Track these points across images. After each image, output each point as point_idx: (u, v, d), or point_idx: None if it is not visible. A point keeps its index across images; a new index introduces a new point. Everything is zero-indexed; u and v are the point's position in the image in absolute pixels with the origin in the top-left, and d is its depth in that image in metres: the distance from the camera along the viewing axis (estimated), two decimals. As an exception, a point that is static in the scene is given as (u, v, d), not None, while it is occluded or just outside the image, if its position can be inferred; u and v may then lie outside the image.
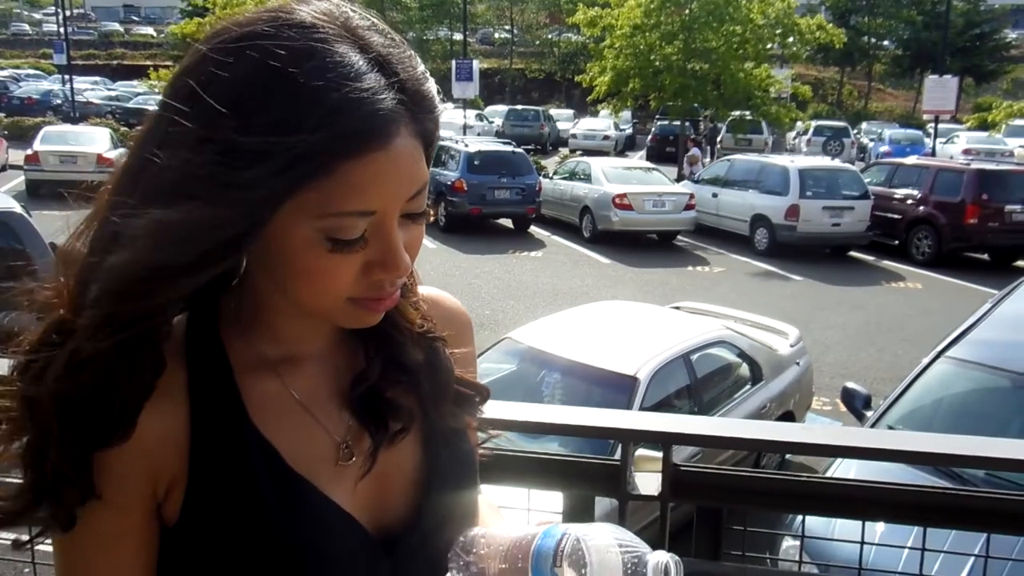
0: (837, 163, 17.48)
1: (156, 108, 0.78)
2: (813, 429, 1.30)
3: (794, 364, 6.77)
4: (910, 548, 1.30)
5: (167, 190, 0.71)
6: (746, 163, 16.76)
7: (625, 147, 32.81)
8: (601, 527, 0.78)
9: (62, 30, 36.44)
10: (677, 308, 7.51)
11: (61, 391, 0.75)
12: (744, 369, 6.18)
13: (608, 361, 5.25)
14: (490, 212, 15.92)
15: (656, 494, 1.32)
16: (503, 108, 35.57)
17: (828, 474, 3.15)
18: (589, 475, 1.35)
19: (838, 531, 2.01)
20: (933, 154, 22.40)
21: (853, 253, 15.16)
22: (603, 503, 1.33)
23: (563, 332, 5.81)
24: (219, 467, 0.81)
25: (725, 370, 6.11)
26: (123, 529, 0.81)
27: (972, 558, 1.26)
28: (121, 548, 0.81)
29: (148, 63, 40.05)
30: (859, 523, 1.32)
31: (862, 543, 1.32)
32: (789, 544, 3.17)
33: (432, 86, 0.80)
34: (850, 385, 5.19)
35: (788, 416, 6.39)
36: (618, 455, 1.38)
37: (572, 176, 16.89)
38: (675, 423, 1.42)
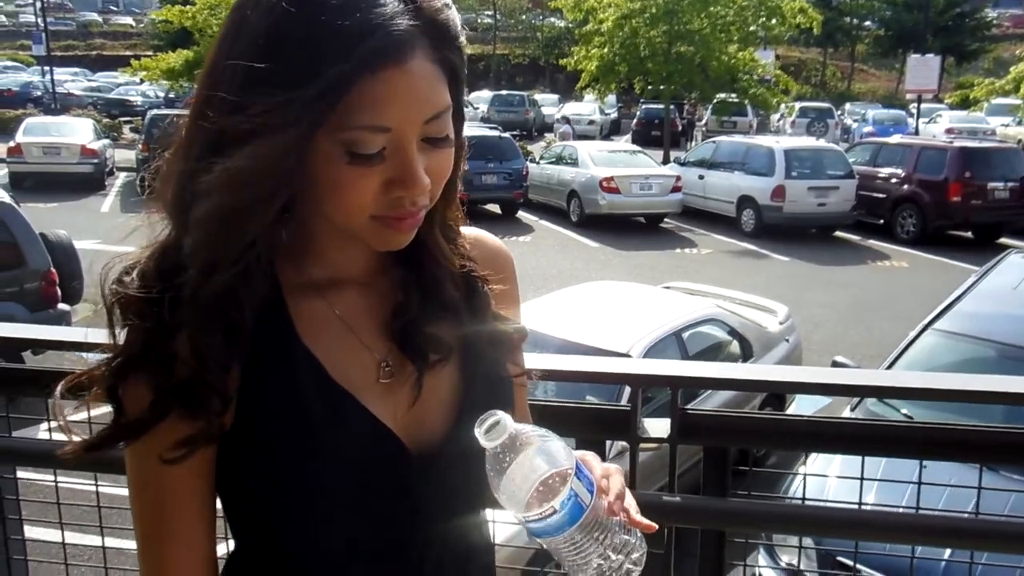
0: (822, 143, 17.60)
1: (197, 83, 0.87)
2: (820, 371, 1.37)
3: (783, 341, 6.85)
4: (908, 483, 1.38)
5: (226, 142, 0.79)
6: (732, 145, 16.82)
7: (610, 131, 32.81)
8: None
9: (40, 21, 36.05)
10: (668, 288, 7.56)
11: (195, 319, 0.83)
12: (735, 346, 6.25)
13: (601, 339, 5.31)
14: (477, 197, 15.93)
15: (665, 436, 1.39)
16: (488, 94, 35.50)
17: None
18: (600, 420, 1.42)
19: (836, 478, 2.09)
20: (916, 133, 22.58)
21: (839, 233, 15.27)
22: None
23: (555, 312, 5.86)
24: (269, 379, 0.89)
25: (716, 347, 6.17)
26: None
27: (976, 491, 1.33)
28: (194, 463, 0.87)
29: (128, 53, 39.66)
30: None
31: (862, 479, 1.39)
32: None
33: (452, 16, 0.86)
34: (839, 359, 5.28)
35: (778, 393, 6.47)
36: (626, 398, 1.44)
37: (559, 160, 16.90)
38: (682, 367, 1.49)
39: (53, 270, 6.90)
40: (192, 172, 0.81)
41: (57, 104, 28.54)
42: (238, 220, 0.81)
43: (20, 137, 17.66)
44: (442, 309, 0.97)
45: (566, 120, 23.53)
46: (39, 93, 31.64)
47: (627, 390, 4.69)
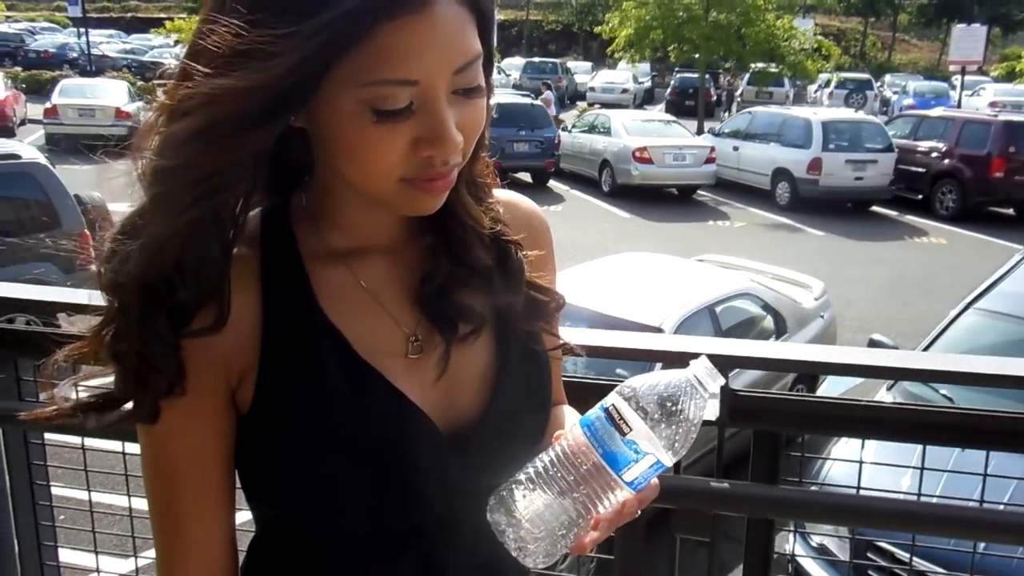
0: (861, 115, 17.24)
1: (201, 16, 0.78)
2: (874, 353, 1.29)
3: (818, 317, 6.74)
4: (968, 474, 1.31)
5: (219, 64, 0.72)
6: (768, 116, 16.53)
7: (644, 100, 32.44)
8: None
9: (76, -18, 36.17)
10: (701, 261, 7.47)
11: (145, 275, 0.77)
12: (768, 321, 6.16)
13: (633, 312, 5.24)
14: (508, 166, 15.80)
15: (714, 419, 1.33)
16: (520, 61, 35.18)
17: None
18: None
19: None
20: (959, 106, 22.03)
21: (876, 208, 14.99)
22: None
23: (587, 284, 5.79)
24: (289, 353, 0.83)
25: (749, 322, 6.08)
26: (202, 420, 0.83)
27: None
28: (200, 435, 0.84)
29: (162, 15, 39.78)
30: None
31: (922, 469, 1.32)
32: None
33: None
34: (876, 337, 5.17)
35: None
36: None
37: (591, 129, 16.72)
38: (733, 346, 1.42)
39: (87, 231, 6.94)
40: (183, 93, 0.73)
41: (92, 66, 28.67)
42: (209, 141, 0.72)
43: (56, 99, 17.81)
44: (472, 276, 0.91)
45: (547, 86, 22.58)
46: (75, 55, 31.80)
47: (659, 365, 4.66)
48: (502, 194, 0.97)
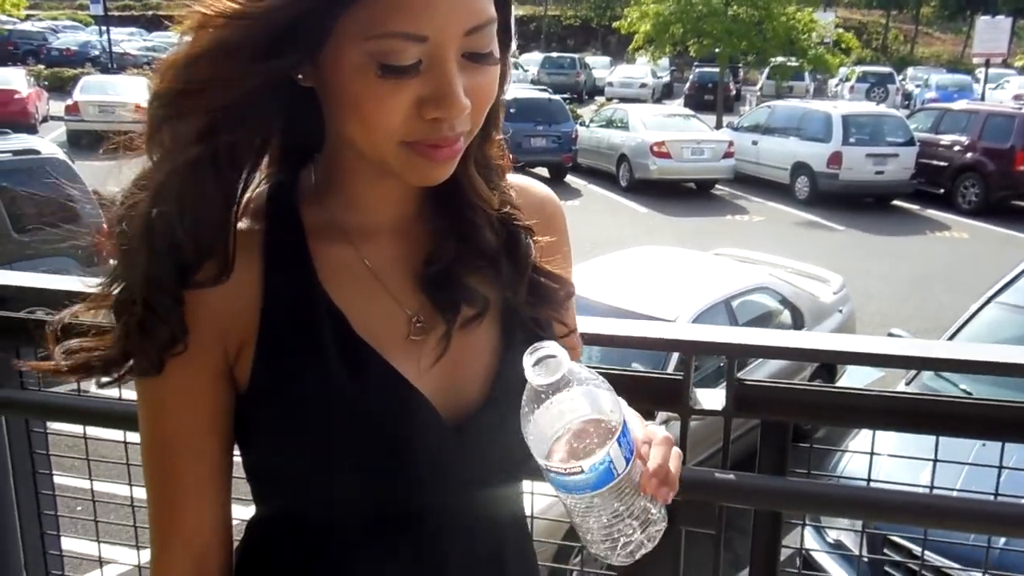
0: (882, 108, 17.08)
1: None
2: (887, 341, 1.25)
3: (837, 312, 6.67)
4: (987, 467, 1.26)
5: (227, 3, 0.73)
6: (787, 109, 16.39)
7: (662, 95, 32.27)
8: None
9: (97, -20, 36.45)
10: (718, 255, 7.41)
11: (150, 220, 0.77)
12: (786, 316, 6.10)
13: (648, 306, 5.20)
14: (525, 161, 15.67)
15: (719, 408, 1.29)
16: (538, 56, 35.08)
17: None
18: (649, 390, 1.33)
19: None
20: (982, 99, 21.73)
21: (897, 202, 14.82)
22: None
23: (602, 277, 5.75)
24: (287, 329, 0.82)
25: (767, 316, 6.03)
26: (199, 386, 0.82)
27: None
28: (198, 405, 0.83)
29: (183, 13, 39.85)
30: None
31: (935, 461, 1.28)
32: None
33: None
34: (895, 331, 5.11)
35: (828, 365, 6.30)
36: (672, 366, 1.35)
37: (609, 124, 16.66)
38: (739, 335, 1.38)
39: (106, 226, 6.97)
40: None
41: (114, 64, 28.88)
42: (213, 67, 0.73)
43: (77, 95, 17.98)
44: (479, 259, 0.89)
45: None
46: (96, 52, 32.05)
47: (675, 358, 4.62)
48: (515, 179, 0.95)
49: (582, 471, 0.71)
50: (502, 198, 0.91)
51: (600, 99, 29.90)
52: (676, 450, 0.78)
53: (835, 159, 14.23)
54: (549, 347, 0.73)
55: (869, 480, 1.31)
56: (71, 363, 0.82)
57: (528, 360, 0.72)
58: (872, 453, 1.30)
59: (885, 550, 2.77)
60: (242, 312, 0.82)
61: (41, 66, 28.73)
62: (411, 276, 0.87)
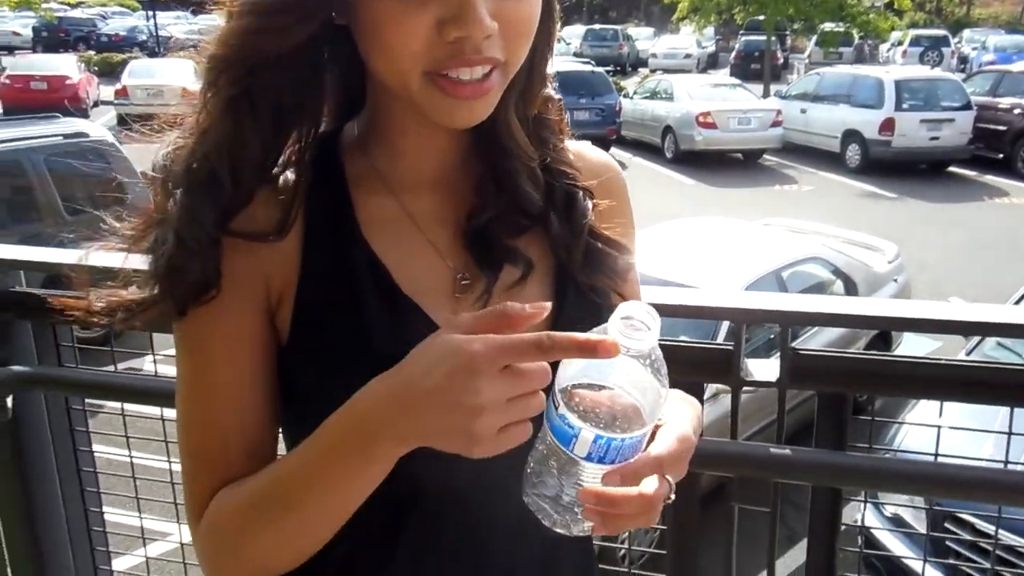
0: (937, 72, 16.55)
1: None
2: (952, 306, 1.15)
3: (891, 281, 6.51)
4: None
5: None
6: (837, 76, 16.03)
7: (708, 65, 31.72)
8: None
9: (143, -35, 36.88)
10: (768, 225, 7.26)
11: (192, 160, 0.77)
12: (838, 286, 5.96)
13: (696, 279, 5.10)
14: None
15: (773, 380, 1.22)
16: (580, 28, 34.66)
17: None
18: (698, 361, 1.26)
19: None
20: (1043, 61, 20.91)
21: (953, 168, 14.38)
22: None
23: (648, 250, 5.65)
24: (328, 283, 0.79)
25: (818, 287, 5.89)
26: (240, 333, 0.79)
27: None
28: (239, 353, 0.79)
29: (226, -3, 40.13)
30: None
31: (1010, 433, 1.20)
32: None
33: None
34: (954, 300, 4.94)
35: (884, 335, 6.15)
36: (721, 337, 1.27)
37: (653, 95, 16.43)
38: (794, 302, 1.30)
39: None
40: None
41: (160, 48, 29.25)
42: (254, 24, 0.74)
43: (125, 79, 18.37)
44: (522, 216, 0.84)
45: None
46: (143, 37, 32.49)
47: (724, 329, 4.52)
48: (574, 144, 0.92)
49: (576, 427, 0.64)
50: (559, 157, 0.87)
51: (644, 71, 29.45)
52: (647, 494, 0.68)
53: (887, 125, 13.87)
54: (651, 316, 0.65)
55: (937, 455, 1.23)
56: (103, 305, 0.81)
57: (624, 309, 0.65)
58: (939, 426, 1.22)
59: (947, 525, 2.67)
60: (283, 262, 0.79)
61: (91, 52, 29.20)
62: (455, 231, 0.84)
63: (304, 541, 0.75)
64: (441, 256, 0.83)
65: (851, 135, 14.47)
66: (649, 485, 0.68)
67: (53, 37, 31.49)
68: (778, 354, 1.22)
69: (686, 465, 0.73)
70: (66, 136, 7.41)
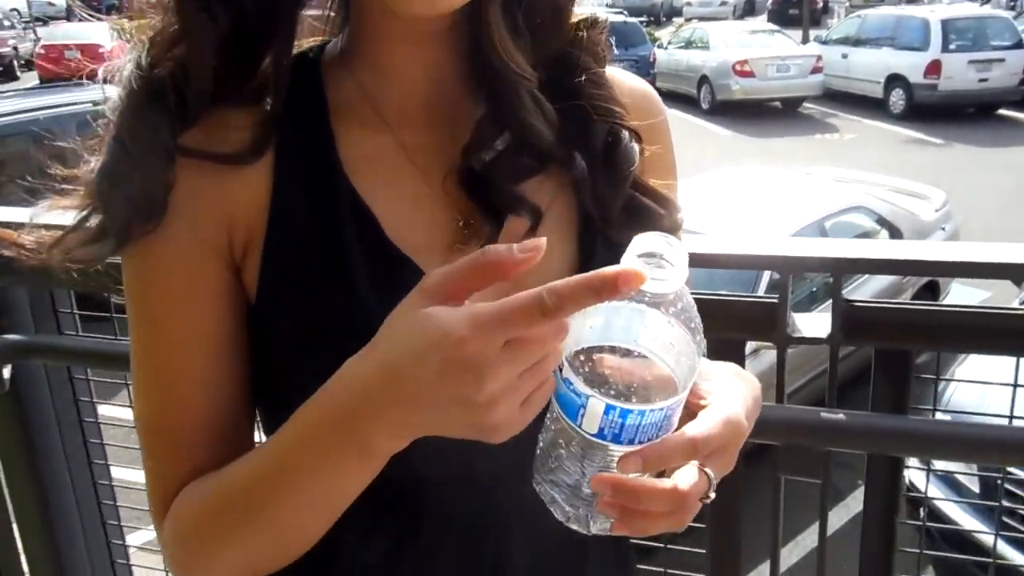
0: (986, 10, 15.90)
1: None
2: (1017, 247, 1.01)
3: (939, 230, 6.30)
4: None
5: None
6: (880, 18, 15.51)
7: (744, 12, 30.95)
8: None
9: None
10: (809, 174, 7.05)
11: (144, 68, 0.67)
12: (883, 236, 5.76)
13: (735, 230, 4.94)
14: (602, 87, 15.38)
15: (824, 336, 1.09)
16: (613, -22, 33.97)
17: None
18: (739, 316, 1.12)
19: None
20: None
21: (1003, 111, 13.84)
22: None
23: (687, 203, 5.47)
24: (301, 228, 0.66)
25: (863, 238, 5.70)
26: (197, 283, 0.66)
27: None
28: (198, 309, 0.67)
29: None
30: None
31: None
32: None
33: None
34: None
35: (932, 286, 5.95)
36: (762, 291, 1.14)
37: (688, 45, 16.08)
38: (846, 248, 1.16)
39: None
40: None
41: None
42: None
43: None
44: (528, 154, 0.69)
45: None
46: (172, 2, 32.50)
47: (764, 281, 4.35)
48: (608, 70, 0.76)
49: (582, 394, 0.51)
50: (601, 89, 0.72)
51: (678, 20, 28.82)
52: (683, 491, 0.54)
53: (933, 68, 13.37)
54: (675, 250, 0.51)
55: (1012, 417, 1.09)
56: (33, 238, 0.70)
57: (640, 243, 0.51)
58: (1015, 384, 1.08)
59: (1008, 487, 2.51)
60: (248, 203, 0.66)
61: (124, 19, 29.27)
62: (456, 170, 0.70)
63: (292, 542, 0.64)
64: (440, 200, 0.69)
65: (895, 79, 13.99)
66: (684, 477, 0.54)
67: (86, 4, 31.66)
68: (822, 307, 1.08)
69: (734, 457, 0.59)
70: (95, 103, 7.40)
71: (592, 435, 0.52)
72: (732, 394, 0.61)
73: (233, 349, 0.68)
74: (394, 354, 0.52)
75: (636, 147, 0.72)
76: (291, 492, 0.59)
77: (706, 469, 0.56)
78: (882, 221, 5.78)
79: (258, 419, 0.74)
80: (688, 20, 26.43)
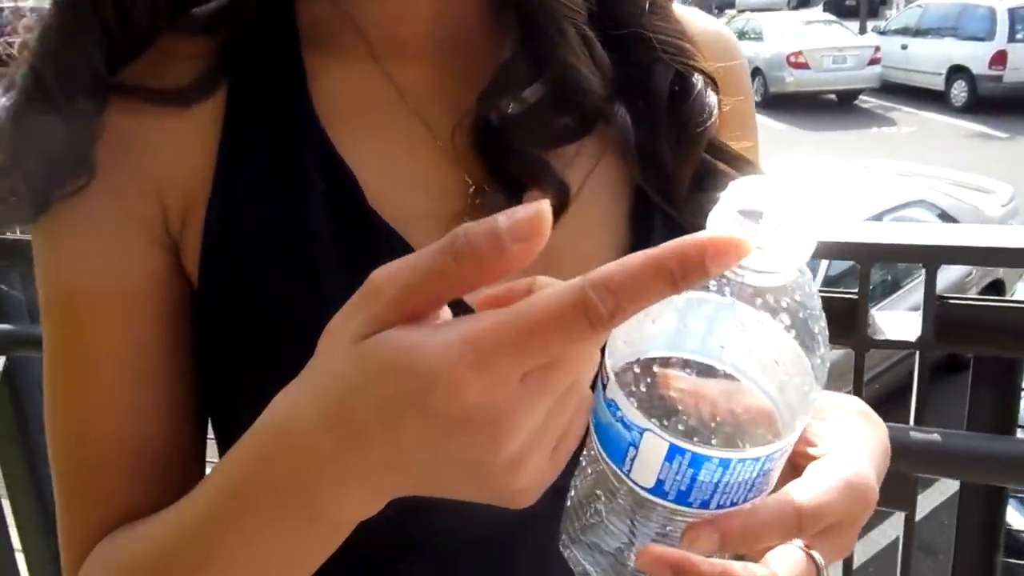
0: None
1: None
2: None
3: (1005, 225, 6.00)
4: None
5: None
6: (942, 7, 15.04)
7: (799, 3, 30.40)
8: None
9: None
10: (868, 168, 6.82)
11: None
12: (948, 232, 5.50)
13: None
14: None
15: (913, 340, 0.91)
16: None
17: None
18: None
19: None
20: None
21: (1073, 104, 13.34)
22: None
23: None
24: (254, 188, 0.50)
25: (925, 233, 5.46)
26: (121, 274, 0.51)
27: None
28: (120, 311, 0.51)
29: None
30: None
31: None
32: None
33: None
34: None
35: (997, 285, 5.70)
36: (819, 284, 0.97)
37: (741, 36, 15.74)
38: (941, 234, 0.98)
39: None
40: None
41: None
42: None
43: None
44: (570, 111, 0.53)
45: None
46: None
47: (821, 273, 4.13)
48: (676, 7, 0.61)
49: (635, 426, 0.34)
50: (668, 24, 0.57)
51: (730, 12, 28.36)
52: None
53: (999, 59, 12.96)
54: (794, 204, 0.33)
55: None
56: None
57: (739, 193, 0.33)
58: None
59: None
60: (189, 157, 0.51)
61: None
62: (469, 121, 0.53)
63: None
64: (447, 157, 0.53)
65: (957, 71, 13.59)
66: (781, 564, 0.37)
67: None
68: (899, 304, 0.91)
69: (854, 537, 0.41)
70: (2, 11, 7.63)
71: (647, 490, 0.35)
72: (856, 443, 0.43)
73: (170, 356, 0.52)
74: (351, 410, 0.34)
75: (713, 97, 0.56)
76: (223, 567, 0.42)
77: (813, 552, 0.38)
78: (945, 216, 5.56)
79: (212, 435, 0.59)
80: (741, 11, 26.01)
